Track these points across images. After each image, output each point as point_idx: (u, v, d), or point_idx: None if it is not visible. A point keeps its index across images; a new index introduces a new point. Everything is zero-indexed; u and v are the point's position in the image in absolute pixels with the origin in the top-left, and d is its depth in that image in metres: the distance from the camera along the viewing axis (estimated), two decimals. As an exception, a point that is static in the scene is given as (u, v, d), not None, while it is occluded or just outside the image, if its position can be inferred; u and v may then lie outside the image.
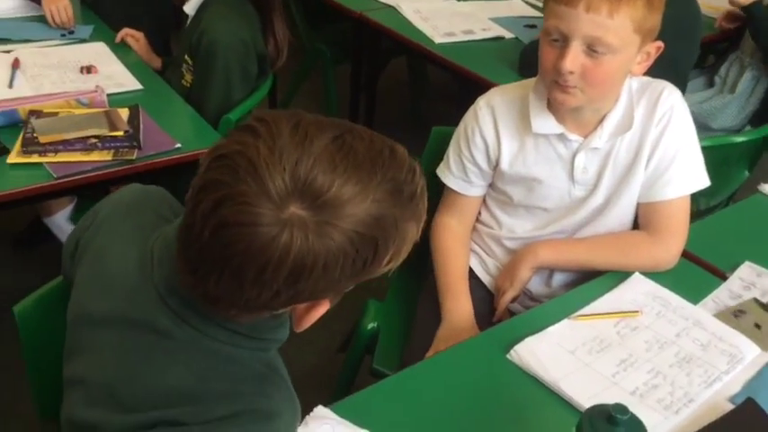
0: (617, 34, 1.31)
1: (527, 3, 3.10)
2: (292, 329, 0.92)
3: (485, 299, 1.62)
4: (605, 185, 1.50)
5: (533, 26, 2.80)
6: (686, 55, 2.39)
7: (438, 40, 2.66)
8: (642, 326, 1.36)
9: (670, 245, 1.50)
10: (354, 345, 1.76)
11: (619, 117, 1.46)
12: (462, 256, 1.63)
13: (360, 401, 1.21)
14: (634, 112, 1.45)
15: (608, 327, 1.35)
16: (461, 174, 1.60)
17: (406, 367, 1.32)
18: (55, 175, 1.69)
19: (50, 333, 1.13)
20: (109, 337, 0.91)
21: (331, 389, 1.85)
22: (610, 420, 0.95)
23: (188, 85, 2.20)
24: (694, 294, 1.44)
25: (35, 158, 1.72)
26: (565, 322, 1.36)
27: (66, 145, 1.75)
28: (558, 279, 1.59)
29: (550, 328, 1.34)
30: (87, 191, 1.92)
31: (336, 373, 1.86)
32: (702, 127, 2.54)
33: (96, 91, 1.96)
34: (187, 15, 2.25)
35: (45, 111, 1.86)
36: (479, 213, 1.66)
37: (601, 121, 1.46)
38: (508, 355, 1.29)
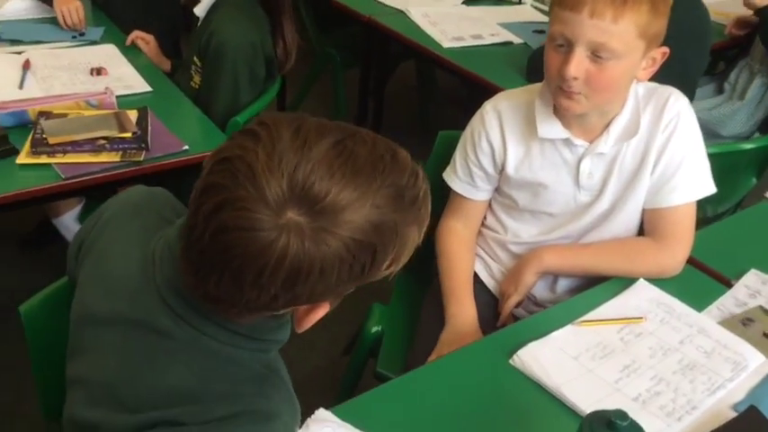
0: (621, 40, 1.30)
1: (536, 8, 3.10)
2: (294, 331, 0.92)
3: (489, 303, 1.62)
4: (611, 191, 1.50)
5: (542, 31, 2.79)
6: (696, 61, 2.38)
7: (446, 44, 2.67)
8: (646, 332, 1.36)
9: (675, 251, 1.50)
10: (358, 348, 1.76)
11: (625, 122, 1.45)
12: (467, 261, 1.63)
13: (362, 404, 1.22)
14: (640, 118, 1.45)
15: (612, 333, 1.35)
16: (467, 178, 1.60)
17: (409, 371, 1.32)
18: (63, 176, 1.70)
19: (56, 333, 1.13)
20: (111, 338, 0.92)
21: (333, 391, 1.85)
22: (610, 426, 0.95)
23: (197, 86, 2.21)
24: (699, 301, 1.44)
25: (44, 159, 1.74)
26: (568, 328, 1.36)
27: (75, 146, 1.76)
28: (563, 284, 1.59)
29: (554, 334, 1.34)
30: (95, 192, 1.93)
31: (339, 375, 1.86)
32: (711, 134, 2.53)
33: (106, 93, 1.98)
34: (197, 18, 2.26)
35: (54, 112, 1.87)
36: (485, 218, 1.66)
37: (607, 126, 1.46)
38: (511, 360, 1.29)
